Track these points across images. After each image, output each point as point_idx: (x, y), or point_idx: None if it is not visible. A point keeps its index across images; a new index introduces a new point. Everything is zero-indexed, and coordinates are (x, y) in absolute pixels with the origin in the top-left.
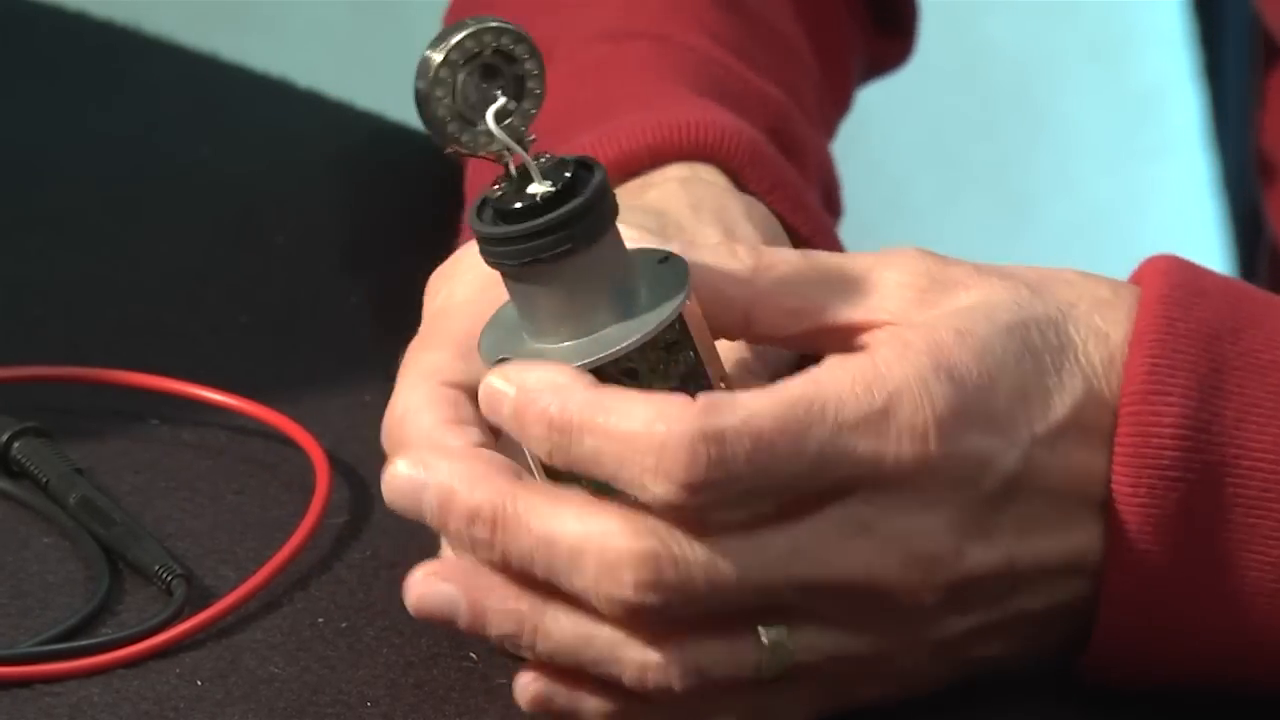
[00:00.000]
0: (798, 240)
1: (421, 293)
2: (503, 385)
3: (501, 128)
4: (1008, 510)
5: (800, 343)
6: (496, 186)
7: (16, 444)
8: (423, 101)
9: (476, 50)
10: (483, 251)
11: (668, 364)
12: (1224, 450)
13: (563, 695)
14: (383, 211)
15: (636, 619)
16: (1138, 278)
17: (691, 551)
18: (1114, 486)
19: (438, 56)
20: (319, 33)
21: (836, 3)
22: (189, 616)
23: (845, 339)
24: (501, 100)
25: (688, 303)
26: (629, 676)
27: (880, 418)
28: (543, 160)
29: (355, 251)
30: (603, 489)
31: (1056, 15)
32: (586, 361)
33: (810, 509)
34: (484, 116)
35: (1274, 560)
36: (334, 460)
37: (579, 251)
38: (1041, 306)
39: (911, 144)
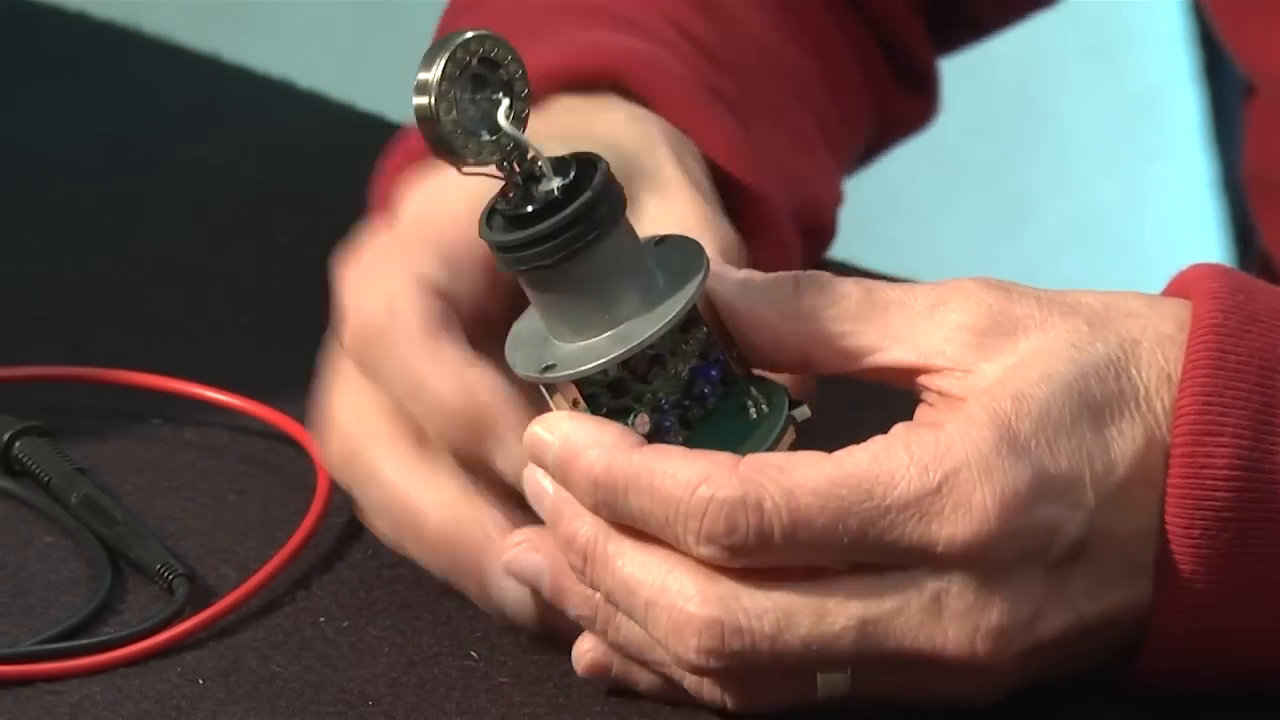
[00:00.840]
0: (732, 185)
1: None
2: (546, 435)
3: (513, 126)
4: (1077, 571)
5: (862, 377)
6: (503, 197)
7: (18, 443)
8: (427, 120)
9: (467, 61)
10: (508, 260)
11: (686, 343)
12: (1277, 489)
13: (619, 665)
14: None
15: (699, 674)
16: (1184, 291)
17: (757, 622)
18: (1167, 528)
19: (435, 74)
20: (320, 33)
21: (845, 49)
22: (191, 615)
23: (906, 378)
24: (506, 102)
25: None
26: (688, 685)
27: (933, 499)
28: (547, 161)
29: None
30: None
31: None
32: (621, 353)
33: (880, 568)
34: (484, 128)
35: None
36: None
37: (606, 237)
38: (1102, 348)
39: (911, 144)
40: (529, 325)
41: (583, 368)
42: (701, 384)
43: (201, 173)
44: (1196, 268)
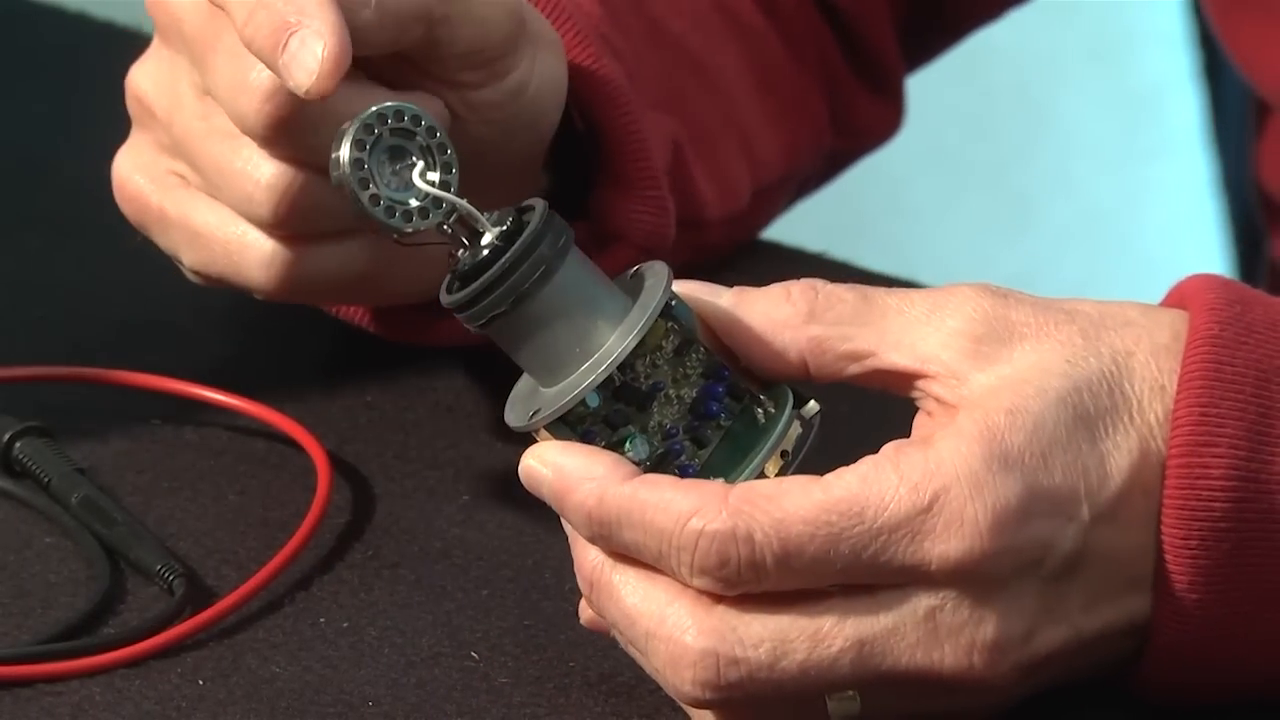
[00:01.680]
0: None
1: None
2: (539, 467)
3: (430, 185)
4: (1073, 585)
5: (860, 383)
6: (453, 259)
7: (18, 444)
8: (354, 198)
9: (377, 134)
10: (469, 319)
11: (686, 368)
12: (1274, 499)
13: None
14: None
15: (700, 707)
16: (1181, 301)
17: (754, 652)
18: (1164, 540)
19: (343, 152)
20: None
21: (786, 50)
22: (190, 616)
23: (903, 383)
24: (421, 164)
25: (674, 303)
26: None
27: (925, 517)
28: (487, 216)
29: None
30: None
31: (1056, 15)
32: (598, 375)
33: (874, 589)
34: (412, 195)
35: None
36: (335, 460)
37: (554, 273)
38: (1095, 362)
39: (911, 144)
40: (522, 385)
41: (562, 403)
42: (710, 403)
43: None
44: (1194, 278)
